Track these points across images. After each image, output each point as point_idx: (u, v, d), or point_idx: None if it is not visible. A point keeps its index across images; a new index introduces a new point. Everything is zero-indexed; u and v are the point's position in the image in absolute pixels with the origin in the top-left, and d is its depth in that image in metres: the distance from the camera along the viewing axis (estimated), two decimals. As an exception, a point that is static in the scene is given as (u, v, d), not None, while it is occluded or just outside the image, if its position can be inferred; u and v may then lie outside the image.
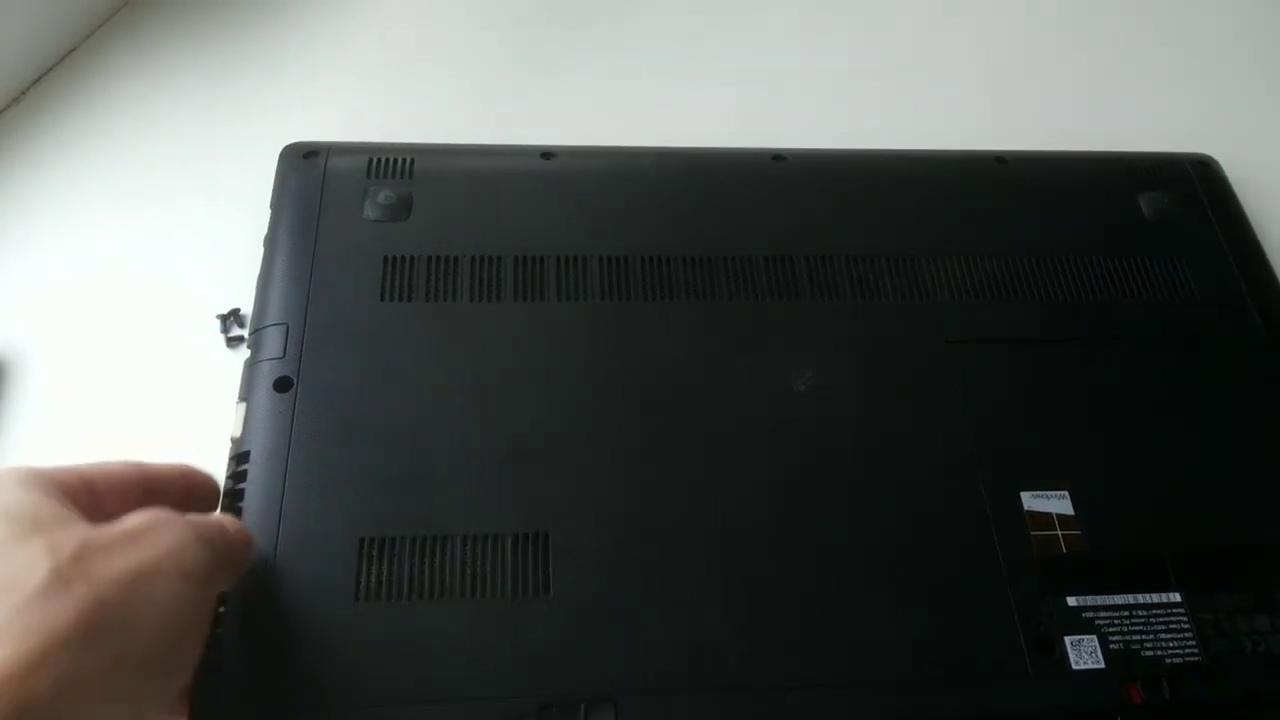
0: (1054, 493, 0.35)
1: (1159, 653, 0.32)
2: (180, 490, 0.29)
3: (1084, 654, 0.32)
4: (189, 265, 0.44)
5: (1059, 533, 0.34)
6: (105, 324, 0.42)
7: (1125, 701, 0.31)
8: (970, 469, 0.35)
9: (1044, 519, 0.34)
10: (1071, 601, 0.33)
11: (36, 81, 0.50)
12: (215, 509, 0.31)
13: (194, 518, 0.26)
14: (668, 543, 0.33)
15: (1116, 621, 0.33)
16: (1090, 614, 0.33)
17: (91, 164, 0.47)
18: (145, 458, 0.29)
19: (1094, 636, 0.32)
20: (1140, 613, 0.33)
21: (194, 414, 0.39)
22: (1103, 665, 0.32)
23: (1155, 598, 0.33)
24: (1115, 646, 0.32)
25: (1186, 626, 0.33)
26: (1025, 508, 0.34)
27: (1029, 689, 0.31)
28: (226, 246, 0.44)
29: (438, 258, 0.38)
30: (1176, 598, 0.33)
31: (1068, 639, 0.32)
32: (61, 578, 0.21)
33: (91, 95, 0.50)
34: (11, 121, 0.48)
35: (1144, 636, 0.32)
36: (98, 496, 0.26)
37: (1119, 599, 0.33)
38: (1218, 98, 0.53)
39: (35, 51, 0.50)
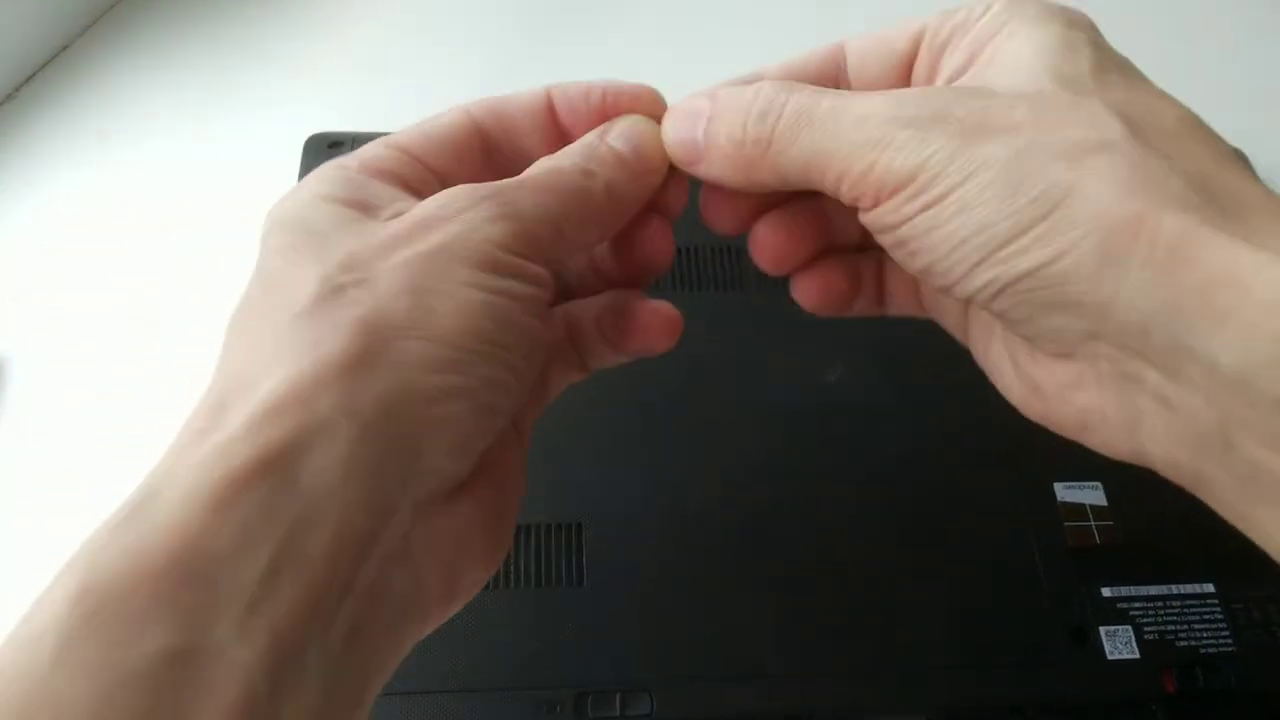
0: (1087, 484, 0.35)
1: (1193, 642, 0.32)
2: (542, 130, 0.23)
3: (1119, 644, 0.32)
4: (188, 265, 0.44)
5: (1093, 524, 0.34)
6: (106, 324, 0.42)
7: (1160, 690, 0.31)
8: (1003, 460, 0.35)
9: (1077, 510, 0.34)
10: (1106, 592, 0.33)
11: (30, 78, 0.49)
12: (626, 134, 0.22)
13: (507, 183, 0.20)
14: (699, 533, 0.33)
15: (1150, 612, 0.33)
16: (1124, 604, 0.33)
17: (86, 162, 0.47)
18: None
19: (1128, 626, 0.32)
20: (1174, 603, 0.33)
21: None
22: (1137, 655, 0.32)
23: (1188, 588, 0.33)
24: (1149, 636, 0.32)
25: (1220, 616, 0.33)
26: (1059, 499, 0.34)
27: (1064, 678, 0.31)
28: (223, 242, 0.44)
29: (466, 248, 0.38)
30: (1210, 588, 0.33)
31: (1102, 629, 0.32)
32: (332, 286, 0.18)
33: (85, 92, 0.49)
34: (4, 119, 0.48)
35: (1178, 626, 0.32)
36: (429, 170, 0.22)
37: (1153, 589, 0.33)
38: (1248, 88, 0.52)
39: (28, 48, 0.49)
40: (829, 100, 0.21)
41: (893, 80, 0.24)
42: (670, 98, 0.25)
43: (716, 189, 0.23)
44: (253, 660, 0.15)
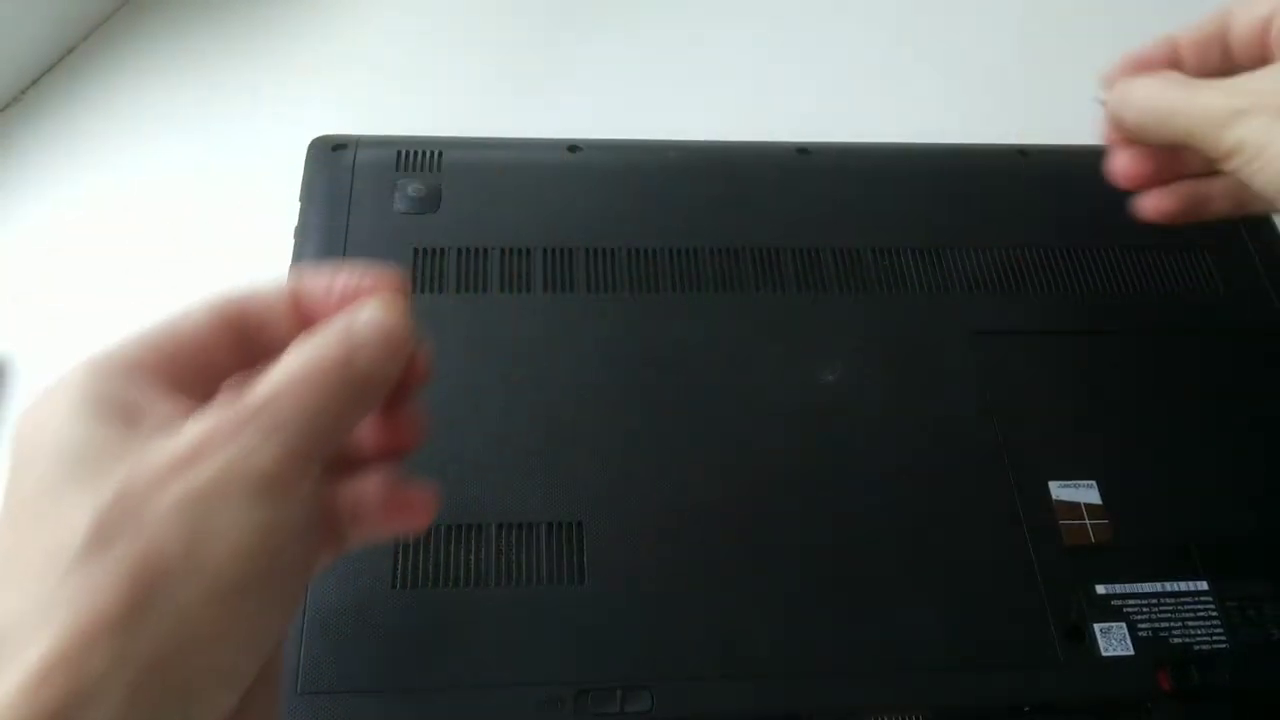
0: (1082, 483, 0.35)
1: (1187, 640, 0.32)
2: (290, 320, 0.23)
3: (1113, 641, 0.32)
4: (191, 267, 0.44)
5: (1087, 522, 0.34)
6: (108, 325, 0.42)
7: (1154, 688, 0.32)
8: (998, 459, 0.35)
9: (1072, 509, 0.35)
10: (1100, 590, 0.33)
11: (35, 82, 0.50)
12: (379, 318, 0.23)
13: (269, 392, 0.20)
14: (699, 531, 0.33)
15: (1145, 609, 0.33)
16: (1119, 602, 0.33)
17: (91, 165, 0.47)
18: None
19: (1123, 624, 0.32)
20: (1168, 601, 0.33)
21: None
22: (1132, 652, 0.32)
23: (1183, 586, 0.33)
24: (1144, 634, 0.32)
25: (1214, 614, 0.33)
26: (1054, 497, 0.35)
27: (1059, 676, 0.32)
28: (227, 245, 0.44)
29: (467, 249, 0.39)
30: (1204, 586, 0.34)
31: (1097, 626, 0.32)
32: (104, 533, 0.18)
33: (92, 95, 0.50)
34: (10, 122, 0.48)
35: (1172, 624, 0.33)
36: (183, 368, 0.22)
37: (1147, 587, 0.33)
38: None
39: (34, 52, 0.49)
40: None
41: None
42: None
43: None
44: None
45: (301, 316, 0.24)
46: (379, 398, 0.23)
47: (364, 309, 0.23)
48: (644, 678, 0.30)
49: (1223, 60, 0.33)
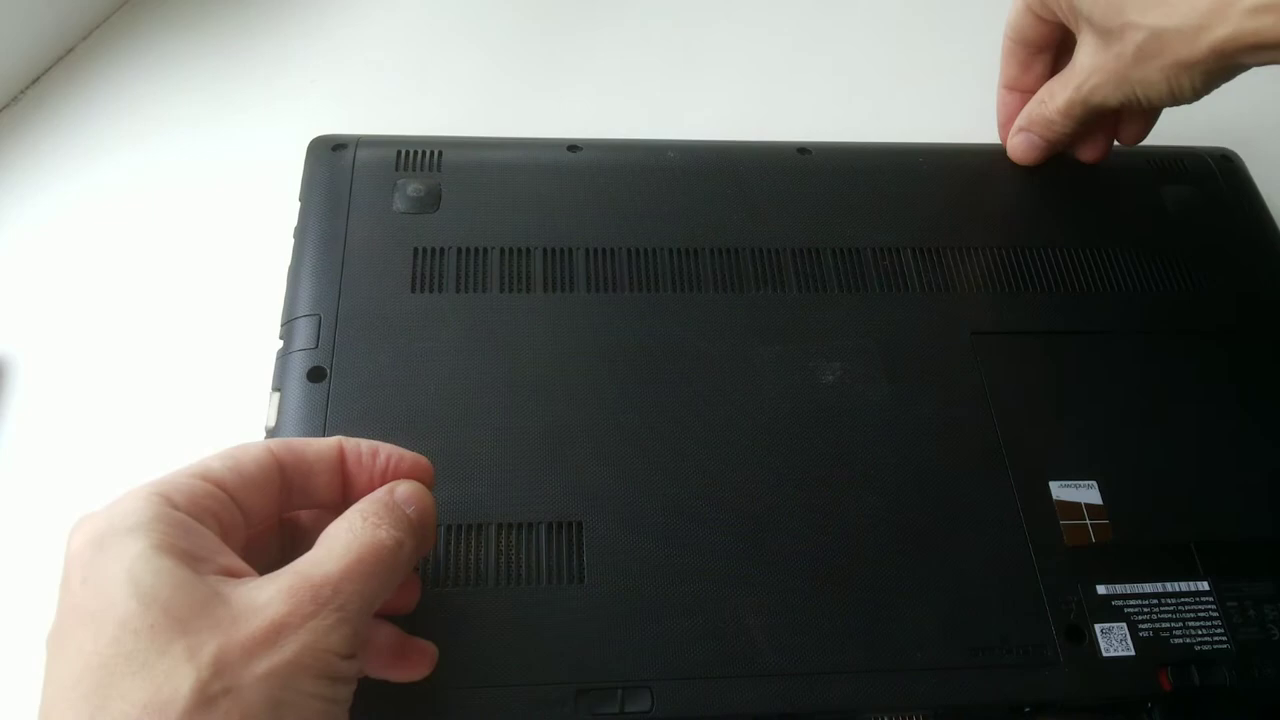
0: (1082, 482, 0.35)
1: (1188, 640, 0.32)
2: (332, 474, 0.27)
3: (1114, 641, 0.32)
4: (191, 266, 0.44)
5: (1088, 522, 0.34)
6: (109, 325, 0.42)
7: (1155, 688, 0.31)
8: (998, 459, 0.35)
9: (1073, 508, 0.35)
10: (1101, 590, 0.33)
11: (35, 81, 0.50)
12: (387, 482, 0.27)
13: (337, 574, 0.23)
14: (698, 531, 0.33)
15: (1146, 609, 0.33)
16: (1120, 602, 0.33)
17: (90, 165, 0.47)
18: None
19: (1123, 624, 0.32)
20: (1169, 601, 0.33)
21: (206, 408, 0.40)
22: (1133, 652, 0.32)
23: (1184, 586, 0.33)
24: (1145, 634, 0.32)
25: (1215, 614, 0.33)
26: (1054, 497, 0.35)
27: (1060, 676, 0.31)
28: (226, 244, 0.44)
29: (467, 249, 0.39)
30: (1205, 586, 0.34)
31: (1098, 626, 0.32)
32: (207, 696, 0.20)
33: (91, 95, 0.50)
34: (9, 121, 0.48)
35: (1173, 624, 0.33)
36: (238, 508, 0.25)
37: (1148, 587, 0.33)
38: (1238, 92, 0.53)
39: (33, 51, 0.49)
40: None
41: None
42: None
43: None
44: None
45: (342, 473, 0.27)
46: (405, 576, 0.27)
47: (400, 487, 0.27)
48: (644, 678, 0.30)
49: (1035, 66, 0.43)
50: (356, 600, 0.23)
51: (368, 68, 0.52)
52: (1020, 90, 0.44)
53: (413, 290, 0.37)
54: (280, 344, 0.36)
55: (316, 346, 0.36)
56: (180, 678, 0.20)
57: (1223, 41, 0.33)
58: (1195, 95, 0.36)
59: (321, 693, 0.22)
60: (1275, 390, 0.38)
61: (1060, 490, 0.35)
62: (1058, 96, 0.40)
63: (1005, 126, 0.44)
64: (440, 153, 0.41)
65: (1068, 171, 0.44)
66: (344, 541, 0.24)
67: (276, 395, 0.35)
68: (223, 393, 0.40)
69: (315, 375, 0.35)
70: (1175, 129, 0.44)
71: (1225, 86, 0.36)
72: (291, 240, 0.39)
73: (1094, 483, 0.35)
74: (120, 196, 0.46)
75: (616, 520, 0.33)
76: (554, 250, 0.39)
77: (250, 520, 0.25)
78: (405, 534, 0.25)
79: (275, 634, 0.21)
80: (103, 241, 0.45)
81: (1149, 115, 0.42)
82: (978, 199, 0.43)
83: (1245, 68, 0.34)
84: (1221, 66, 0.34)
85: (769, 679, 0.31)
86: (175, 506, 0.23)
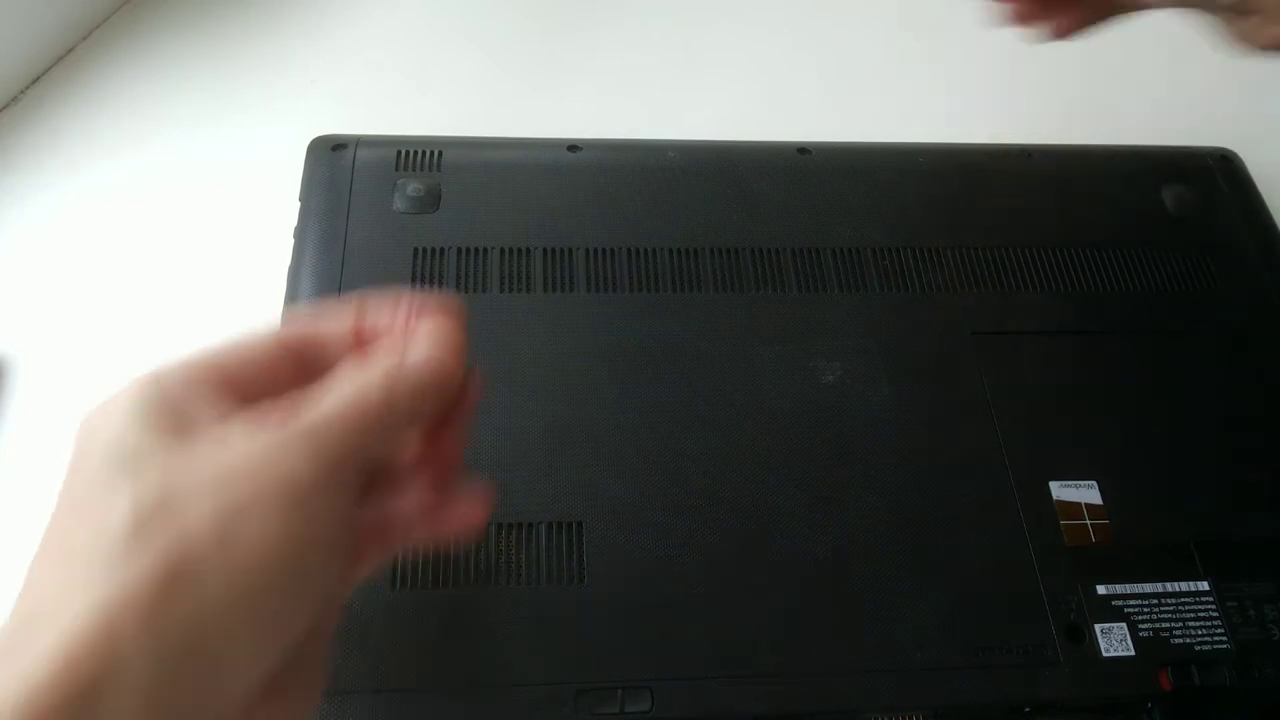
0: (1082, 483, 0.35)
1: (1188, 640, 0.32)
2: (351, 345, 0.25)
3: (1114, 641, 0.32)
4: (191, 266, 0.44)
5: (1088, 522, 0.34)
6: (109, 325, 0.42)
7: (1155, 688, 0.31)
8: (999, 459, 0.35)
9: (1073, 508, 0.35)
10: (1101, 590, 0.33)
11: (35, 81, 0.50)
12: (430, 357, 0.24)
13: (319, 419, 0.22)
14: (700, 531, 0.33)
15: (1146, 609, 0.33)
16: (1120, 602, 0.33)
17: (90, 165, 0.47)
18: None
19: (1124, 624, 0.32)
20: (1169, 601, 0.33)
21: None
22: (1133, 652, 0.32)
23: (1184, 586, 0.33)
24: (1145, 634, 0.32)
25: (1215, 614, 0.33)
26: (1054, 497, 0.35)
27: (1060, 676, 0.31)
28: (226, 244, 0.44)
29: (467, 249, 0.39)
30: (1205, 586, 0.34)
31: (1098, 627, 0.32)
32: (143, 523, 0.19)
33: (91, 95, 0.49)
34: (9, 121, 0.48)
35: (1173, 624, 0.33)
36: (245, 383, 0.23)
37: (1148, 587, 0.33)
38: (1238, 92, 0.53)
39: (34, 50, 0.49)
40: None
41: None
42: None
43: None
44: None
45: (362, 341, 0.25)
46: (415, 427, 0.25)
47: (416, 343, 0.24)
48: (644, 678, 0.30)
49: None
50: (335, 444, 0.22)
51: (368, 68, 0.52)
52: None
53: (413, 290, 0.37)
54: (280, 344, 0.36)
55: (316, 346, 0.35)
56: (119, 510, 0.19)
57: None
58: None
59: (283, 529, 0.20)
60: (1273, 390, 0.38)
61: (1060, 490, 0.35)
62: None
63: None
64: (440, 153, 0.41)
65: (1068, 171, 0.44)
66: (331, 391, 0.23)
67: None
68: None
69: (315, 375, 0.35)
70: (1175, 129, 0.44)
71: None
72: (291, 240, 0.39)
73: (1094, 483, 0.35)
74: (120, 196, 0.46)
75: (616, 520, 0.33)
76: (554, 250, 0.39)
77: (262, 392, 0.23)
78: (397, 393, 0.23)
79: (235, 471, 0.20)
80: (103, 242, 0.45)
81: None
82: (978, 199, 0.43)
83: None
84: None
85: (769, 679, 0.31)
86: (168, 380, 0.22)
